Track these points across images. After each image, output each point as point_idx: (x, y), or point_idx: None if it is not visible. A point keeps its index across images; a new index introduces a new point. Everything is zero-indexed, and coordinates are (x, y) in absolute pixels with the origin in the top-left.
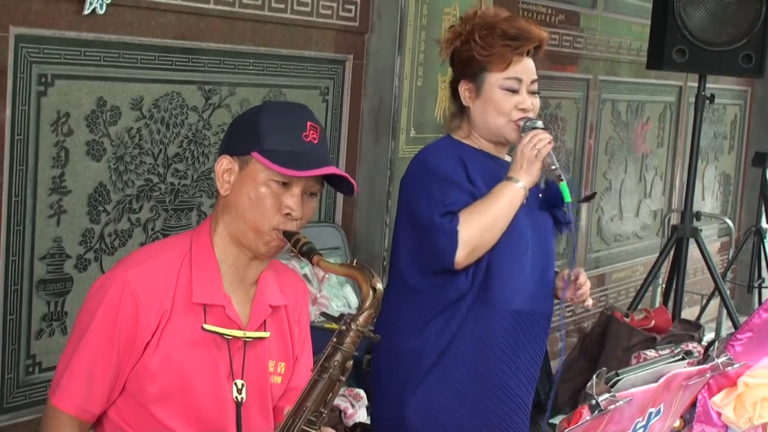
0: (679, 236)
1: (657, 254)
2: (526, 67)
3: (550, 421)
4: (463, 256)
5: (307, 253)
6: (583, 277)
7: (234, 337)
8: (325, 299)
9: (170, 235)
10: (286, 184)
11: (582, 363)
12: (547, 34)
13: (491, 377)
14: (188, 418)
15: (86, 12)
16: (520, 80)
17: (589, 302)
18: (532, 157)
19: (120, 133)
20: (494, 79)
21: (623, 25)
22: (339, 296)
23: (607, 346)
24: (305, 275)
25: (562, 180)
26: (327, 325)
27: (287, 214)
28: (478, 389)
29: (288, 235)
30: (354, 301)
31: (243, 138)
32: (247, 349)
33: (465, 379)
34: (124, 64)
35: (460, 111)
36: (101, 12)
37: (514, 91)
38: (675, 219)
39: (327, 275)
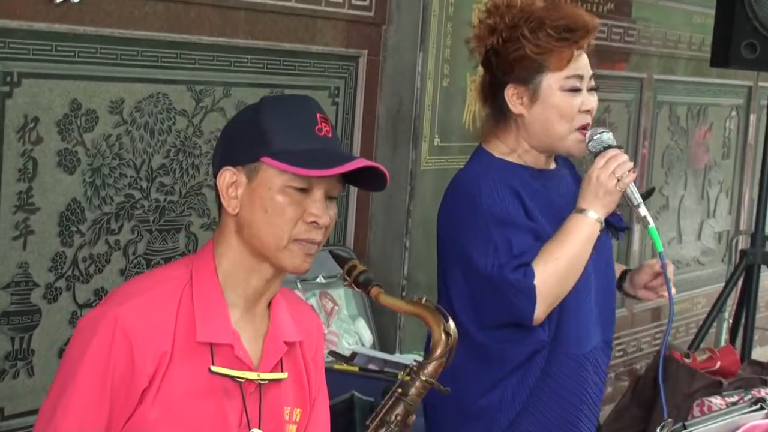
0: (749, 263)
1: (722, 284)
2: (584, 62)
3: None
4: (542, 311)
5: (365, 283)
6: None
7: (247, 379)
8: (334, 335)
9: (155, 260)
10: (305, 190)
11: (634, 411)
12: (597, 20)
13: (569, 427)
14: None
15: (58, 0)
16: (581, 77)
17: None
18: (612, 188)
19: (97, 141)
20: (554, 80)
21: (682, 15)
22: (350, 332)
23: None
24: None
25: (650, 224)
26: (337, 366)
27: (312, 222)
28: None
29: (340, 259)
30: (367, 337)
31: (246, 143)
32: (262, 393)
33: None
34: (102, 61)
35: (503, 119)
36: (76, 0)
37: (576, 91)
38: (744, 242)
39: (336, 308)
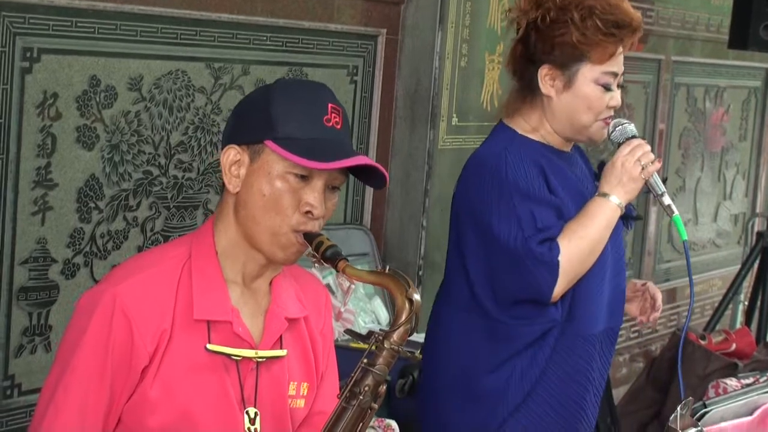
0: (765, 245)
1: (738, 266)
2: (621, 59)
3: None
4: (561, 289)
5: (332, 258)
6: (659, 299)
7: (244, 357)
8: (350, 314)
9: (172, 237)
10: (305, 177)
11: (650, 393)
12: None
13: (575, 408)
14: None
15: None
16: (616, 74)
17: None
18: (636, 175)
19: (116, 118)
20: (591, 72)
21: None
22: (367, 310)
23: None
24: (327, 285)
25: (674, 213)
26: (353, 345)
27: (307, 212)
28: (564, 423)
29: (309, 237)
30: (384, 316)
31: (253, 123)
32: (261, 370)
33: (553, 414)
34: (122, 38)
35: (530, 96)
36: None
37: (608, 87)
38: (760, 225)
39: (353, 286)
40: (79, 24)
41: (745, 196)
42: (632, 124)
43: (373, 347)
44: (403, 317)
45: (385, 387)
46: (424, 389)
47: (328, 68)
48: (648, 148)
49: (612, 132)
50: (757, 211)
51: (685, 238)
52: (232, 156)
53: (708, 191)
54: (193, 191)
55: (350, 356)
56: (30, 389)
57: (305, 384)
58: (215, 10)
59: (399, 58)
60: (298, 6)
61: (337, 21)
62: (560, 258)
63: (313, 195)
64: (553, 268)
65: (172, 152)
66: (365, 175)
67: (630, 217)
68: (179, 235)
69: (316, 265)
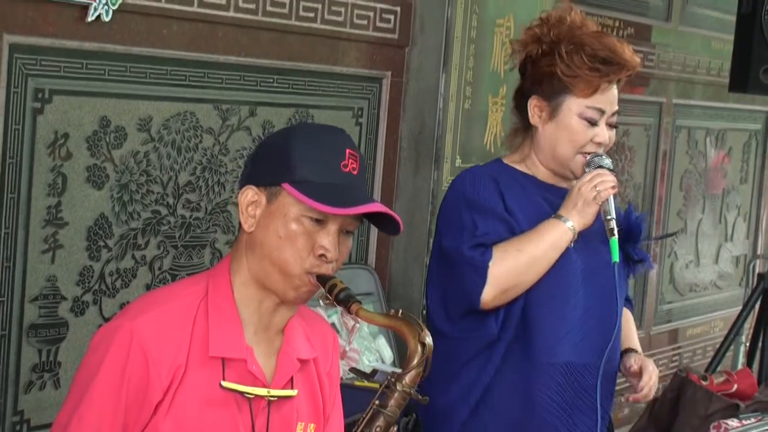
0: (766, 286)
1: (740, 307)
2: (610, 97)
3: None
4: (491, 295)
5: (345, 300)
6: (651, 370)
7: (256, 395)
8: (355, 353)
9: (180, 276)
10: (320, 221)
11: None
12: (640, 59)
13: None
14: None
15: (90, 19)
16: (602, 111)
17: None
18: (590, 199)
19: (125, 158)
20: (574, 105)
21: (701, 41)
22: (371, 349)
23: (681, 413)
24: (333, 324)
25: (613, 235)
26: (358, 383)
27: (321, 255)
28: None
29: (323, 279)
30: (388, 354)
31: (272, 166)
32: (272, 409)
33: None
34: (131, 79)
35: (524, 128)
36: (106, 19)
37: (593, 122)
38: (761, 266)
39: (358, 325)
40: (89, 66)
41: (746, 238)
42: (609, 159)
43: (386, 389)
44: (415, 360)
45: (395, 428)
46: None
47: (333, 110)
48: (608, 176)
49: (588, 165)
50: (758, 252)
51: (616, 260)
52: (249, 196)
53: (709, 233)
54: (201, 230)
55: (355, 395)
56: (39, 425)
57: (312, 425)
58: (223, 53)
59: (403, 100)
60: (304, 48)
61: (342, 63)
62: (490, 263)
63: (327, 239)
64: (481, 272)
65: (180, 192)
66: (380, 221)
67: (633, 260)
68: (187, 274)
69: (321, 303)
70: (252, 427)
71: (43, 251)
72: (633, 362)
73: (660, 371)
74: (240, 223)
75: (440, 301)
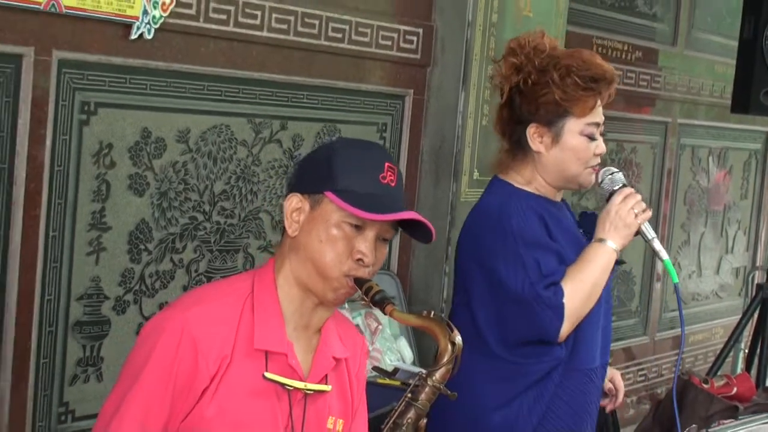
0: (765, 296)
1: (739, 316)
2: (600, 110)
3: None
4: (567, 329)
5: (380, 302)
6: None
7: (295, 388)
8: (377, 352)
9: (214, 278)
10: (359, 228)
11: None
12: (614, 69)
13: None
14: None
15: (133, 37)
16: (598, 124)
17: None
18: (631, 221)
19: (164, 167)
20: (575, 126)
21: (705, 64)
22: (392, 349)
23: (683, 414)
24: (357, 326)
25: (666, 257)
26: (380, 381)
27: (359, 259)
28: None
29: (360, 282)
30: (408, 354)
31: (316, 176)
32: (308, 402)
33: None
34: (171, 94)
35: (521, 153)
36: (149, 37)
37: (593, 137)
38: (760, 277)
39: (380, 326)
40: (132, 81)
41: (746, 251)
42: (621, 173)
43: (417, 384)
44: (446, 358)
45: (425, 421)
46: (433, 426)
47: (359, 125)
48: (639, 197)
49: (602, 181)
50: (757, 264)
51: (677, 281)
52: (294, 203)
53: (711, 246)
54: (234, 236)
55: (378, 391)
56: (83, 415)
57: (341, 420)
58: (257, 70)
59: (425, 116)
60: (332, 67)
61: (368, 82)
62: (564, 300)
63: (365, 244)
64: (558, 311)
65: (216, 200)
66: (413, 229)
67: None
68: (221, 277)
69: (346, 306)
70: (289, 416)
71: (87, 253)
72: (607, 380)
73: (663, 375)
74: (284, 228)
75: (495, 327)
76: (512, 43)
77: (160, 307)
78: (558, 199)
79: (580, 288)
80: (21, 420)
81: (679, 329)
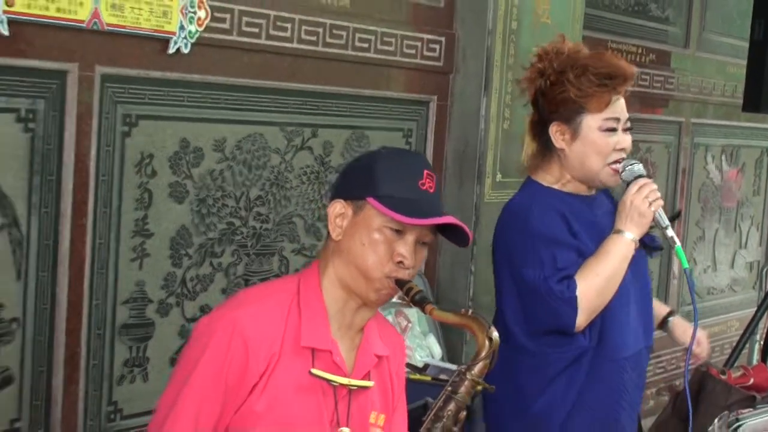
0: None
1: (753, 309)
2: (621, 106)
3: None
4: (583, 320)
5: (420, 301)
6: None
7: (340, 384)
8: (408, 349)
9: (252, 280)
10: (399, 232)
11: (675, 423)
12: (635, 69)
13: (613, 420)
14: None
15: (171, 51)
16: (618, 119)
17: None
18: (645, 210)
19: (203, 175)
20: (593, 121)
21: (717, 65)
22: (422, 346)
23: (702, 404)
24: None
25: (677, 243)
26: (411, 376)
27: (400, 262)
28: None
29: (401, 283)
30: (437, 351)
31: (358, 183)
32: (352, 397)
33: (595, 429)
34: (208, 105)
35: (548, 153)
36: (186, 51)
37: (613, 131)
38: None
39: (410, 324)
40: (171, 93)
41: (759, 246)
42: (640, 164)
43: (457, 378)
44: (483, 353)
45: (464, 413)
46: (489, 416)
47: (385, 131)
48: (654, 186)
49: (623, 172)
50: None
51: (686, 266)
52: (338, 209)
53: (725, 241)
54: (270, 240)
55: (408, 387)
56: (130, 414)
57: (382, 416)
58: (288, 81)
59: (448, 121)
60: (359, 76)
61: (393, 89)
62: (577, 293)
63: (405, 247)
64: (572, 303)
65: (252, 205)
66: (451, 233)
67: (653, 247)
68: (259, 279)
69: None
70: (335, 411)
71: (132, 259)
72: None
73: (681, 366)
74: (328, 232)
75: (521, 321)
76: (539, 50)
77: (201, 309)
78: (590, 193)
79: (594, 280)
80: (73, 419)
81: (698, 322)
